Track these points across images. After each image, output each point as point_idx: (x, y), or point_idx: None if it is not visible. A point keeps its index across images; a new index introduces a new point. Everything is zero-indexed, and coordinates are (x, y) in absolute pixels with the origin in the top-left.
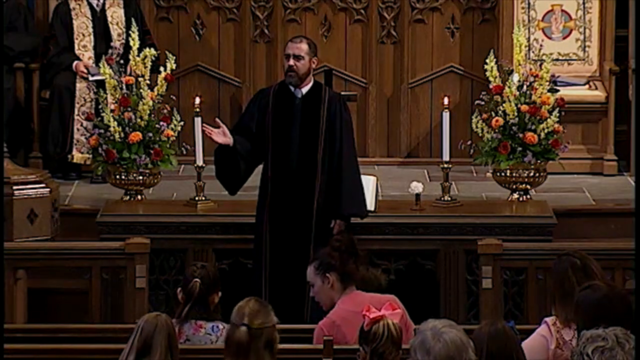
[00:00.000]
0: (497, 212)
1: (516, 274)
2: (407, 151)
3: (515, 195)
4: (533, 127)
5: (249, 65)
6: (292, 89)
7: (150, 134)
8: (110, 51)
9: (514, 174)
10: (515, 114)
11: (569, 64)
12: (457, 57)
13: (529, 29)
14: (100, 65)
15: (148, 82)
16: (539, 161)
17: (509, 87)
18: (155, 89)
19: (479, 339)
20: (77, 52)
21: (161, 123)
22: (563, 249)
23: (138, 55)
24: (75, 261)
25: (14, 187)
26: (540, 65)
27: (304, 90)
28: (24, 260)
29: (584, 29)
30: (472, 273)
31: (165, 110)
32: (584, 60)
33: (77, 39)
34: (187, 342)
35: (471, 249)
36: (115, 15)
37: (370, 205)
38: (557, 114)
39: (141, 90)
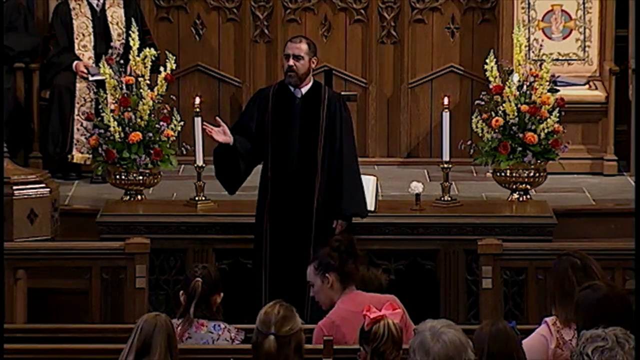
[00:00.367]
0: (497, 212)
1: (516, 274)
2: (407, 151)
3: (515, 195)
4: (533, 127)
5: (249, 65)
6: (292, 88)
7: (150, 134)
8: (110, 51)
9: (514, 174)
10: (515, 114)
11: (569, 64)
12: (457, 57)
13: (529, 29)
14: (100, 65)
15: (148, 82)
16: (539, 161)
17: (509, 87)
18: (155, 89)
19: (480, 338)
20: (77, 52)
21: (161, 123)
22: (563, 249)
23: (138, 55)
24: (75, 261)
25: (14, 187)
26: (540, 65)
27: (304, 90)
28: (24, 260)
29: (584, 29)
30: (472, 273)
31: (165, 110)
32: (584, 60)
33: (77, 39)
34: (188, 340)
35: (471, 249)
36: (115, 15)
37: (370, 205)
38: (557, 114)
39: (141, 90)
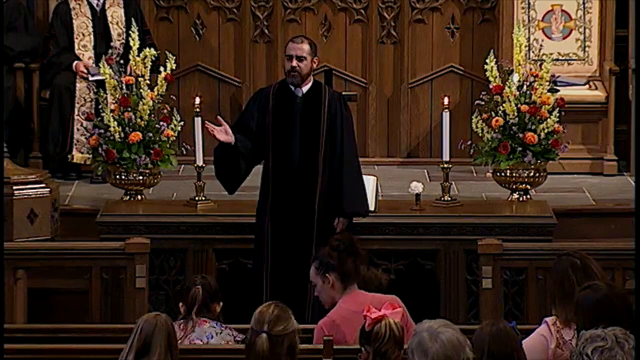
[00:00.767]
0: (497, 212)
1: (516, 274)
2: (407, 151)
3: (515, 195)
4: (533, 127)
5: (249, 65)
6: (293, 88)
7: (150, 134)
8: (110, 51)
9: (514, 174)
10: (515, 114)
11: (569, 64)
12: (457, 57)
13: (529, 29)
14: (100, 65)
15: (148, 82)
16: (539, 161)
17: (509, 87)
18: (155, 89)
19: (480, 338)
20: (77, 52)
21: (161, 123)
22: (563, 249)
23: (138, 55)
24: (75, 261)
25: (14, 187)
26: (540, 65)
27: (305, 89)
28: (24, 260)
29: (584, 29)
30: (472, 273)
31: (165, 110)
32: (584, 60)
33: (77, 38)
34: (192, 334)
35: (471, 249)
36: (115, 15)
37: (370, 205)
38: (557, 114)
39: (141, 90)
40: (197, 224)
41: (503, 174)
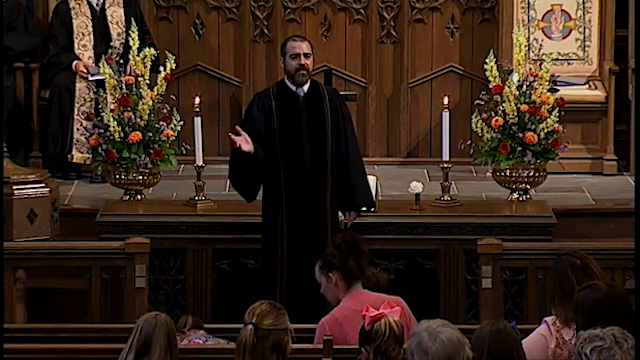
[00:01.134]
0: (497, 212)
1: (516, 274)
2: (407, 151)
3: (515, 195)
4: (533, 127)
5: (249, 65)
6: (294, 88)
7: (150, 134)
8: (110, 51)
9: (514, 174)
10: (515, 114)
11: (569, 64)
12: (457, 57)
13: (529, 29)
14: (100, 65)
15: (148, 82)
16: (539, 161)
17: (509, 87)
18: (155, 89)
19: (480, 338)
20: (77, 52)
21: (161, 123)
22: (563, 249)
23: (138, 55)
24: (75, 261)
25: (14, 187)
26: (540, 65)
27: (305, 88)
28: (24, 260)
29: (584, 29)
30: (472, 273)
31: (165, 110)
32: (584, 60)
33: (77, 38)
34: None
35: (471, 249)
36: (115, 15)
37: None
38: (557, 114)
39: (141, 90)
40: (197, 224)
41: (503, 174)
